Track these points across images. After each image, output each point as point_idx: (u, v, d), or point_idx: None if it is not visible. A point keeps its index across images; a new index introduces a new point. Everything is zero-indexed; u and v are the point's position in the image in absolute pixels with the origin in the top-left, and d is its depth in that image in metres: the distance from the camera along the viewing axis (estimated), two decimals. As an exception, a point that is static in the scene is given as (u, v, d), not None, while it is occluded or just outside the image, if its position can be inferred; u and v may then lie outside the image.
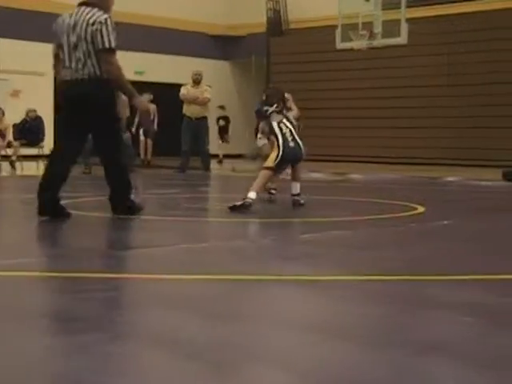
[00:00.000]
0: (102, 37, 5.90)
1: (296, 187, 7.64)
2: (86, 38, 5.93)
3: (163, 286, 3.63)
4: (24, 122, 15.77)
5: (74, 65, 6.00)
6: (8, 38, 19.36)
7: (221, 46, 23.93)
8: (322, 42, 19.68)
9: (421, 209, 7.41)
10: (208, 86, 14.83)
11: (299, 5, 21.93)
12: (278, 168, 7.39)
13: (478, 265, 4.36)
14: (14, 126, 15.70)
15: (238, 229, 6.21)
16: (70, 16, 6.12)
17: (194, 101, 14.00)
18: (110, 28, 5.93)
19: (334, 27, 16.61)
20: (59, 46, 6.13)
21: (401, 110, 19.38)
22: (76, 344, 2.53)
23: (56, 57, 6.21)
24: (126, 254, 4.63)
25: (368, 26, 16.02)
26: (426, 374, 2.28)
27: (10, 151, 15.49)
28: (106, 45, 5.91)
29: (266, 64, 22.77)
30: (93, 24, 5.92)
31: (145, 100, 5.88)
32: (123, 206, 6.26)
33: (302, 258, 4.56)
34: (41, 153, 16.05)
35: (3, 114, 15.71)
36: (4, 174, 13.84)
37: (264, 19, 22.39)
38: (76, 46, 5.98)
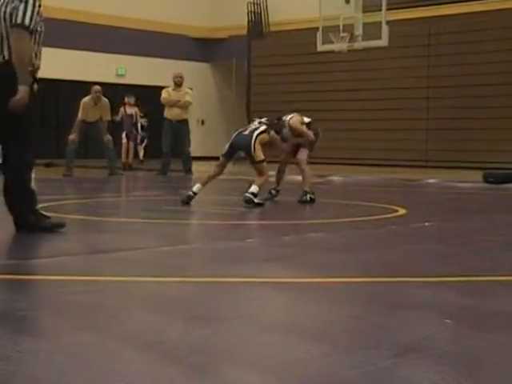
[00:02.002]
0: (17, 13, 5.33)
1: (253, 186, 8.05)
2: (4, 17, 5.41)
3: (143, 288, 3.63)
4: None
5: None
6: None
7: (202, 48, 23.92)
8: (302, 45, 19.73)
9: (401, 211, 7.45)
10: (189, 88, 14.82)
11: (280, 7, 21.96)
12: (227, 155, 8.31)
13: (457, 266, 4.39)
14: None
15: (218, 231, 6.22)
16: None
17: (175, 104, 13.99)
18: (29, 6, 5.36)
19: (315, 29, 16.66)
20: None
21: (381, 112, 19.46)
22: (57, 347, 2.52)
23: None
24: (107, 256, 4.62)
25: (349, 28, 16.07)
26: (402, 375, 2.30)
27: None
28: (19, 20, 5.32)
29: (246, 66, 22.79)
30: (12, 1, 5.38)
31: (26, 91, 5.38)
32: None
33: (281, 259, 4.58)
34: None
35: None
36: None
37: (245, 22, 22.41)
38: None
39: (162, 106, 14.26)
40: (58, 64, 20.11)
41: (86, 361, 2.38)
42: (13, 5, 5.40)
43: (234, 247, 5.08)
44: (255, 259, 4.65)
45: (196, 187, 7.94)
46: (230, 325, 2.91)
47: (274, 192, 8.77)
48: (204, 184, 8.10)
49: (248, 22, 22.52)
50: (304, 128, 8.69)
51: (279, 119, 8.68)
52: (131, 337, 2.67)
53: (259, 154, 8.05)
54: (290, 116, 8.76)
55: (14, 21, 5.35)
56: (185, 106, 14.08)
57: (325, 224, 6.51)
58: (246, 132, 8.19)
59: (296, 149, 8.77)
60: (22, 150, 5.47)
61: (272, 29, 22.39)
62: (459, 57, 18.14)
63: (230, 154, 8.26)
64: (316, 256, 4.79)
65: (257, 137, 8.09)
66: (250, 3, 22.46)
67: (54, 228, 5.51)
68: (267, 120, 8.48)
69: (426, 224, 6.48)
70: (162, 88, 14.68)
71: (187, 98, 14.08)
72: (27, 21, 5.35)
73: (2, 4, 5.46)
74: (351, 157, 19.65)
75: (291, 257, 4.69)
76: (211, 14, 23.81)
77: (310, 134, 8.72)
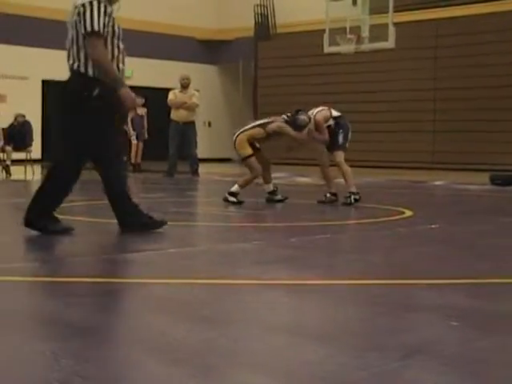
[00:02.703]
0: (85, 20, 5.21)
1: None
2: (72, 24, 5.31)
3: (151, 290, 3.64)
4: (12, 126, 15.72)
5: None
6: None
7: (209, 50, 23.93)
8: (309, 46, 19.72)
9: (407, 213, 7.45)
10: (196, 90, 14.84)
11: (287, 9, 21.96)
12: None
13: (464, 268, 4.39)
14: (3, 130, 15.64)
15: (225, 233, 6.23)
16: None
17: (181, 106, 14.01)
18: (95, 11, 5.23)
19: (322, 31, 16.64)
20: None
21: (388, 114, 19.44)
22: (66, 349, 2.54)
23: None
24: (114, 258, 4.63)
25: (355, 30, 16.06)
26: (409, 377, 2.30)
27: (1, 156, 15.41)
28: (88, 28, 5.21)
29: (253, 68, 22.80)
30: (75, 7, 5.30)
31: (127, 92, 5.34)
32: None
33: (288, 261, 4.58)
34: (28, 157, 16.01)
35: None
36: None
37: (252, 24, 22.42)
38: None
39: (168, 108, 14.28)
40: (65, 66, 20.17)
41: (94, 364, 2.39)
42: (77, 11, 5.27)
43: (240, 249, 5.09)
44: (261, 261, 4.66)
45: (235, 187, 8.06)
46: (237, 327, 2.91)
47: (332, 197, 8.46)
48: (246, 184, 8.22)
49: (255, 23, 22.53)
50: (323, 126, 8.46)
51: (298, 111, 8.47)
52: (138, 338, 2.68)
53: (243, 152, 8.11)
54: (318, 109, 8.61)
55: (84, 29, 5.22)
56: (191, 108, 14.09)
57: (331, 226, 6.51)
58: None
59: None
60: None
61: (279, 31, 22.39)
62: (466, 59, 18.11)
63: None
64: (322, 258, 4.80)
65: (240, 133, 8.17)
66: (257, 5, 22.47)
67: (65, 231, 5.50)
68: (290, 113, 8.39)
69: (433, 226, 6.47)
70: (168, 90, 14.70)
71: (194, 100, 14.09)
72: (96, 26, 5.20)
73: (74, 13, 5.32)
74: (357, 158, 19.60)
75: (298, 259, 4.69)
76: (218, 16, 23.83)
77: (325, 134, 8.48)
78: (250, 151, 8.16)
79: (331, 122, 8.51)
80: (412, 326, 2.95)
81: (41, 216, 5.43)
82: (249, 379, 2.28)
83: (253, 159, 8.16)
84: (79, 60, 5.28)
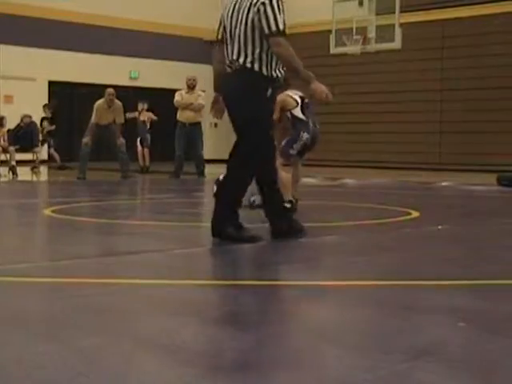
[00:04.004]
0: (267, 19, 5.09)
1: None
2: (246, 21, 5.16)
3: (157, 291, 3.63)
4: (18, 127, 15.76)
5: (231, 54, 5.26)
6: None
7: (215, 51, 23.94)
8: (315, 47, 19.71)
9: (415, 214, 7.42)
10: (202, 91, 14.84)
11: (293, 10, 21.88)
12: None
13: (471, 270, 4.37)
14: (9, 131, 15.69)
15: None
16: None
17: (188, 107, 14.02)
18: (276, 9, 5.12)
19: (328, 32, 16.65)
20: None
21: (395, 115, 19.42)
22: (72, 350, 2.53)
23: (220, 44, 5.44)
24: (120, 259, 4.62)
25: (362, 30, 16.06)
26: (416, 379, 2.29)
27: (4, 157, 15.46)
28: (273, 28, 5.09)
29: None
30: (252, 4, 5.14)
31: (318, 86, 5.31)
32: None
33: (295, 262, 4.57)
34: (34, 158, 16.04)
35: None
36: (3, 179, 13.82)
37: (258, 24, 22.42)
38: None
39: (175, 109, 14.29)
40: (72, 67, 20.23)
41: (100, 364, 2.38)
42: (255, 8, 5.13)
43: (247, 250, 5.08)
44: (269, 262, 4.64)
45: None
46: (245, 328, 2.90)
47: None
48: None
49: (261, 24, 22.53)
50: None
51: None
52: (145, 340, 2.67)
53: None
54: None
55: (267, 29, 5.10)
56: (198, 109, 14.10)
57: (338, 227, 6.50)
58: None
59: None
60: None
61: (285, 31, 22.38)
62: (473, 59, 18.09)
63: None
64: (330, 259, 4.78)
65: None
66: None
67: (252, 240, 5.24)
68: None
69: (440, 227, 6.45)
70: (175, 91, 14.71)
71: (200, 101, 14.10)
72: (280, 25, 5.11)
73: (242, 7, 5.19)
74: (364, 159, 19.62)
75: (305, 260, 4.68)
76: (224, 17, 23.83)
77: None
78: None
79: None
80: (419, 327, 2.94)
81: (227, 223, 5.25)
82: (257, 380, 2.27)
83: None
84: (253, 57, 5.16)
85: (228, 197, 5.32)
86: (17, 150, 15.06)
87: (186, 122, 14.04)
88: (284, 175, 6.95)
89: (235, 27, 5.23)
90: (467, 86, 18.16)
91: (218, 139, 23.09)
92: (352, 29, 16.16)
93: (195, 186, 12.57)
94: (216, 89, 5.61)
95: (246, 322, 3.01)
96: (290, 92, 7.36)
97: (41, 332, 2.83)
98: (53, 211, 7.18)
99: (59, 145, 18.32)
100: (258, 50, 5.15)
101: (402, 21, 15.87)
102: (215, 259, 4.77)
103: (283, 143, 7.20)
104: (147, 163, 16.93)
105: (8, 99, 19.58)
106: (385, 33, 15.75)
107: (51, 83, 20.44)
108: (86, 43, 20.63)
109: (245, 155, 5.27)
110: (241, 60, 5.18)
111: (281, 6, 5.18)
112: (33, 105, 18.13)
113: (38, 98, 18.94)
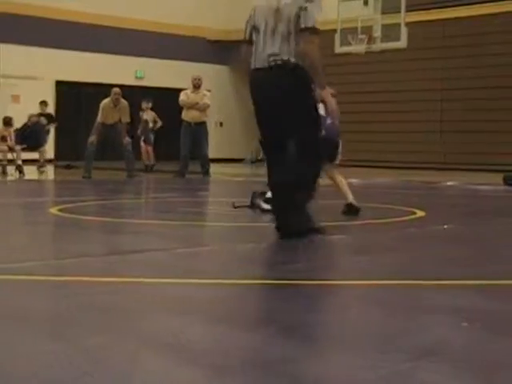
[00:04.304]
0: (306, 15, 5.28)
1: None
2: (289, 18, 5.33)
3: (162, 290, 3.64)
4: (25, 127, 15.80)
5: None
6: (2, 43, 19.39)
7: (220, 50, 23.95)
8: (320, 47, 19.63)
9: (420, 213, 7.42)
10: (207, 90, 14.86)
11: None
12: None
13: (476, 270, 4.36)
14: (16, 130, 15.72)
15: (238, 233, 6.23)
16: None
17: (193, 106, 14.03)
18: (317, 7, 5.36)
19: (333, 31, 16.63)
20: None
21: (400, 114, 19.40)
22: (78, 348, 2.54)
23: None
24: (125, 258, 4.64)
25: (367, 30, 16.04)
26: (420, 379, 2.29)
27: (11, 156, 15.50)
28: (310, 24, 5.30)
29: (265, 68, 22.77)
30: (299, 7, 5.31)
31: (327, 94, 5.52)
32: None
33: (299, 262, 4.57)
34: (42, 157, 16.08)
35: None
36: (10, 177, 13.86)
37: (263, 23, 22.41)
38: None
39: (180, 108, 14.30)
40: (78, 67, 20.26)
41: (106, 363, 2.39)
42: (299, 5, 5.28)
43: (252, 249, 5.08)
44: (273, 261, 4.65)
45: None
46: (251, 327, 2.91)
47: None
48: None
49: (266, 24, 22.52)
50: None
51: None
52: (150, 339, 2.68)
53: None
54: None
55: (304, 24, 5.25)
56: (203, 108, 14.11)
57: (342, 226, 6.50)
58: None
59: None
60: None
61: (290, 31, 22.37)
62: (473, 59, 18.07)
63: None
64: (332, 258, 4.79)
65: None
66: (268, 5, 22.45)
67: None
68: None
69: (445, 227, 6.45)
70: (180, 90, 14.72)
71: (205, 101, 14.11)
72: (315, 23, 5.26)
73: (289, 3, 5.32)
74: (368, 159, 19.59)
75: (307, 259, 4.68)
76: (229, 17, 23.83)
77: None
78: None
79: None
80: (422, 327, 2.94)
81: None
82: (262, 379, 2.28)
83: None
84: (292, 54, 5.33)
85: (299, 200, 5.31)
86: (23, 150, 15.09)
87: (192, 122, 14.05)
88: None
89: (277, 25, 5.34)
90: (468, 85, 18.12)
91: (223, 139, 23.13)
92: (357, 28, 16.13)
93: (200, 186, 12.58)
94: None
95: (252, 321, 3.01)
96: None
97: (46, 330, 2.84)
98: (59, 210, 7.20)
99: (65, 144, 18.34)
100: (293, 47, 5.31)
101: (408, 20, 15.85)
102: (220, 258, 4.78)
103: None
104: (151, 161, 16.96)
105: (15, 99, 19.62)
106: (389, 32, 15.73)
107: (58, 83, 20.49)
108: (92, 43, 20.66)
109: (306, 152, 5.34)
110: (284, 57, 5.30)
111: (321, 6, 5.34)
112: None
113: (45, 98, 18.98)
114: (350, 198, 7.14)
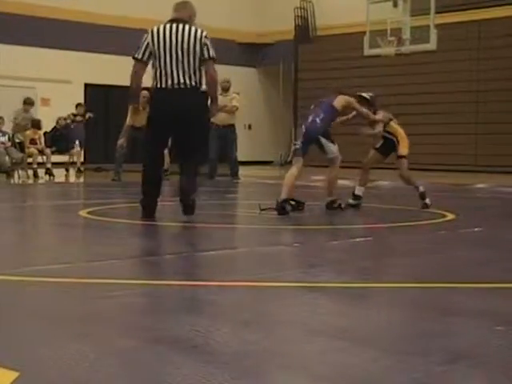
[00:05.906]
0: (208, 49, 6.73)
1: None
2: (194, 51, 6.65)
3: (191, 292, 3.63)
4: (54, 129, 15.92)
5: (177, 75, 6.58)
6: (34, 46, 19.57)
7: (249, 53, 23.98)
8: (349, 49, 19.64)
9: (450, 216, 7.35)
10: (236, 93, 14.86)
11: (327, 12, 21.90)
12: None
13: (508, 273, 4.31)
14: (45, 133, 15.86)
15: (265, 235, 6.21)
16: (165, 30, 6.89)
17: (222, 109, 14.03)
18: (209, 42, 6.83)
19: (362, 34, 16.56)
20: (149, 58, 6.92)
21: (430, 116, 19.26)
22: (107, 350, 2.54)
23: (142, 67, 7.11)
24: (152, 260, 4.64)
25: (396, 32, 15.94)
26: (451, 383, 2.26)
27: (41, 159, 15.64)
28: (212, 54, 6.70)
29: (293, 71, 22.78)
30: (200, 39, 6.73)
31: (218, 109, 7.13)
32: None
33: (329, 264, 4.55)
34: (70, 160, 16.21)
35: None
36: (41, 181, 13.98)
37: (292, 26, 22.41)
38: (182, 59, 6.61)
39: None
40: (107, 70, 20.39)
41: (135, 365, 2.39)
42: (203, 41, 6.83)
43: (280, 251, 5.07)
44: (302, 264, 4.63)
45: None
46: (278, 329, 2.89)
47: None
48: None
49: (295, 26, 22.51)
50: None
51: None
52: (179, 341, 2.67)
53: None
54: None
55: (208, 55, 6.79)
56: (231, 111, 14.11)
57: (373, 229, 6.46)
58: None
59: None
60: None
61: (319, 33, 22.34)
62: (509, 60, 17.87)
63: None
64: (364, 261, 4.75)
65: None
66: (297, 8, 22.45)
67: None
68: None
69: (476, 229, 6.38)
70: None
71: (234, 103, 14.11)
72: (214, 53, 6.90)
73: (192, 41, 6.83)
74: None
75: (339, 261, 4.66)
76: (258, 19, 23.87)
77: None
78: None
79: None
80: (455, 330, 2.90)
81: None
82: (290, 382, 2.26)
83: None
84: (196, 78, 6.62)
85: None
86: (53, 153, 15.22)
87: (220, 124, 14.06)
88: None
89: (181, 54, 6.65)
90: (503, 86, 17.95)
91: (251, 141, 23.13)
92: (386, 30, 16.04)
93: (229, 188, 12.58)
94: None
95: (279, 323, 2.99)
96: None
97: (76, 332, 2.84)
98: (88, 213, 7.24)
99: (94, 146, 18.45)
100: (198, 73, 6.66)
101: (437, 22, 15.72)
102: (250, 261, 4.76)
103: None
104: (165, 166, 16.84)
105: (45, 102, 19.80)
106: (419, 34, 15.62)
107: (87, 86, 20.64)
108: (121, 46, 20.78)
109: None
110: (187, 80, 6.56)
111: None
112: (69, 107, 18.30)
113: (75, 101, 19.12)
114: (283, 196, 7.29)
